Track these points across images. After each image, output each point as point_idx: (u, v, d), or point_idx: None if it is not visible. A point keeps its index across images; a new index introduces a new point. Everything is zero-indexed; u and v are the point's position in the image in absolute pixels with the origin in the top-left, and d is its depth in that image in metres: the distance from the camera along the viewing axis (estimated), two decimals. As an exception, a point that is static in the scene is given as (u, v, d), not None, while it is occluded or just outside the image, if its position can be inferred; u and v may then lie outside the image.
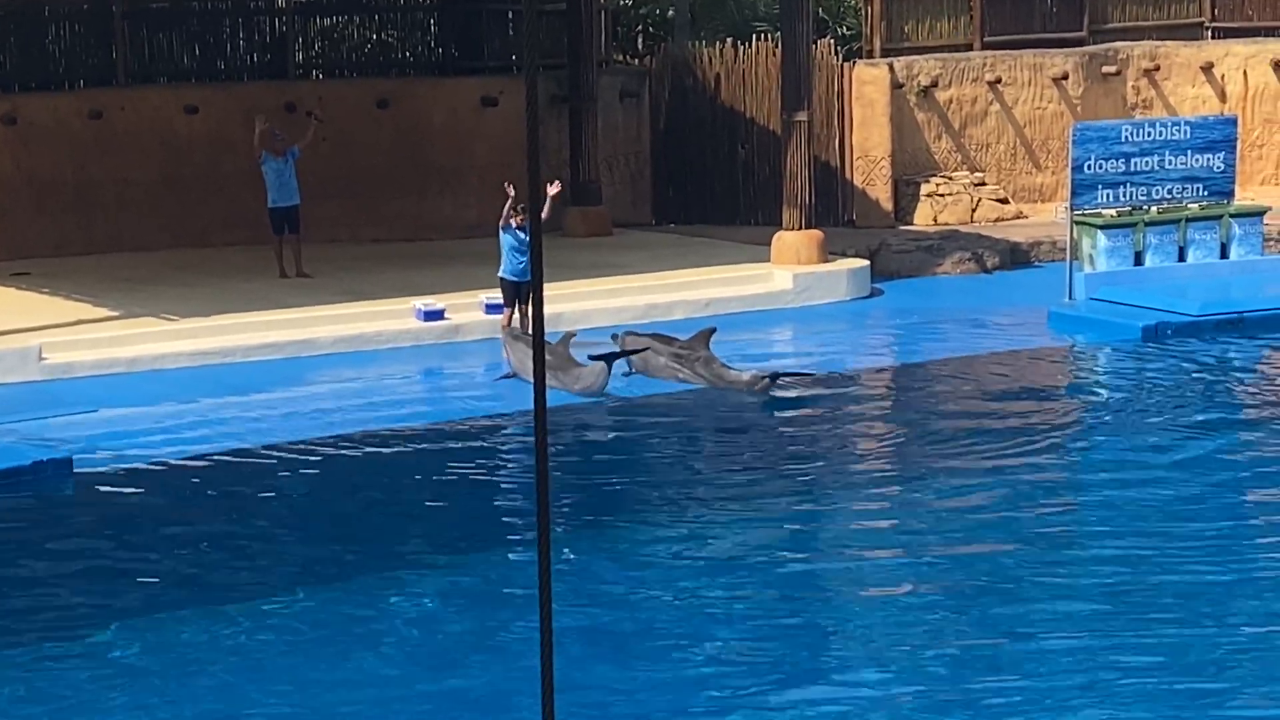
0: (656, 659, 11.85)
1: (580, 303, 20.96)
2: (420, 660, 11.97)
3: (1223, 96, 27.97)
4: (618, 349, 18.83)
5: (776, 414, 18.15)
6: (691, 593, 13.10)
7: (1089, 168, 22.30)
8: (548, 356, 17.74)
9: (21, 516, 15.27)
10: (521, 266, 19.49)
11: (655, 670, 11.65)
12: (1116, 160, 22.43)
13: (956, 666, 11.57)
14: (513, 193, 19.42)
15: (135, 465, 16.37)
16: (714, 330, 19.00)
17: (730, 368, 18.59)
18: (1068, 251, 22.51)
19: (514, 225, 19.53)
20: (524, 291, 19.69)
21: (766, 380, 18.36)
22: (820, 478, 16.09)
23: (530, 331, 19.21)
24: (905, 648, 11.93)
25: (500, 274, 19.67)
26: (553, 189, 20.01)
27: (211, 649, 12.19)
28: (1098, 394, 19.58)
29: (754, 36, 27.12)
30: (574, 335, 19.14)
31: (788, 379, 18.61)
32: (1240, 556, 13.62)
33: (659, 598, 13.01)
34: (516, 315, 19.85)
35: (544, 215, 18.94)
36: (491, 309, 20.82)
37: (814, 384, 18.81)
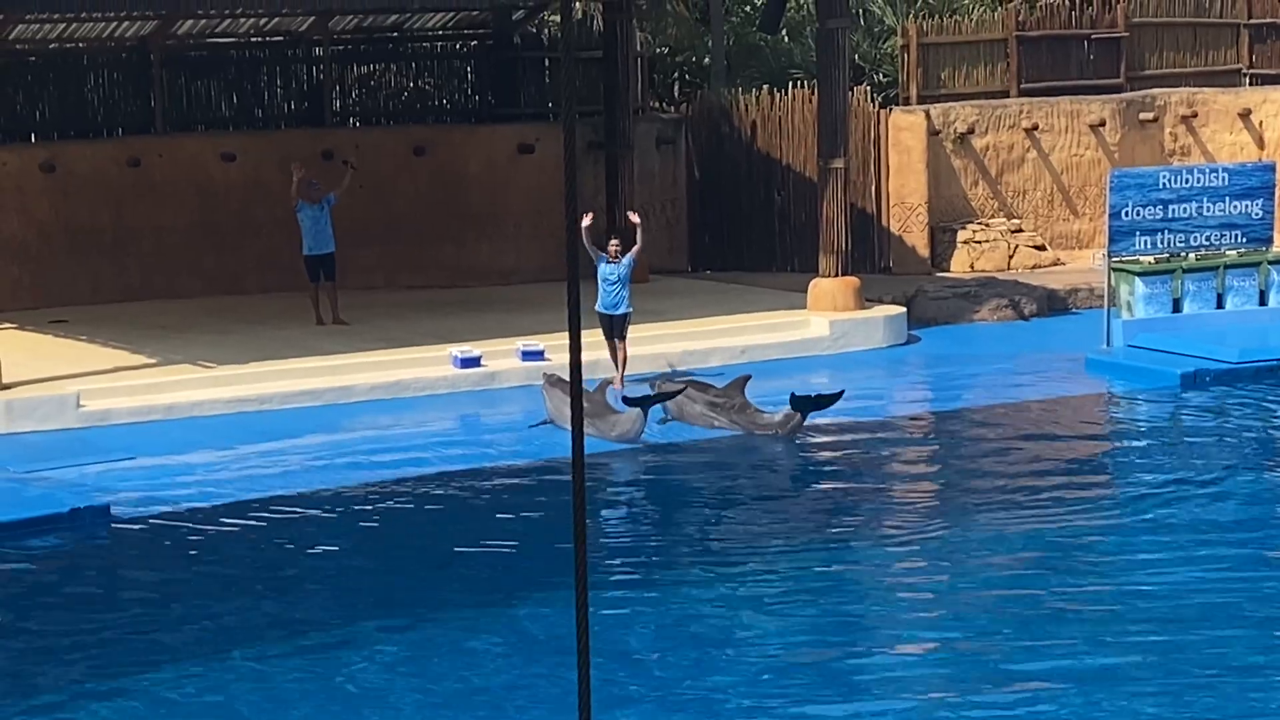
0: (693, 706, 11.85)
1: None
2: (457, 708, 11.97)
3: (1261, 143, 27.95)
4: (652, 390, 18.87)
5: (813, 463, 18.15)
6: (726, 639, 13.10)
7: (1126, 214, 22.29)
8: (585, 404, 17.78)
9: (58, 563, 15.33)
10: (612, 298, 19.74)
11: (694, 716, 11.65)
12: (1154, 207, 22.41)
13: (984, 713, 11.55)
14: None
15: (172, 513, 16.41)
16: (749, 377, 19.02)
17: (763, 412, 18.62)
18: (1105, 298, 22.49)
19: (606, 258, 19.77)
20: (617, 325, 19.96)
21: (798, 418, 18.38)
22: (856, 527, 16.07)
23: (609, 375, 19.39)
24: (934, 695, 11.91)
25: (597, 308, 19.96)
26: (634, 217, 20.50)
27: (243, 695, 12.22)
28: (1136, 442, 19.51)
29: (790, 83, 27.19)
30: (610, 383, 19.19)
31: (820, 407, 18.56)
32: (1276, 593, 13.58)
33: (695, 645, 13.00)
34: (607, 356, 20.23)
35: (635, 248, 19.59)
36: (528, 356, 20.88)
37: (850, 430, 18.78)
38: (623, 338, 20.19)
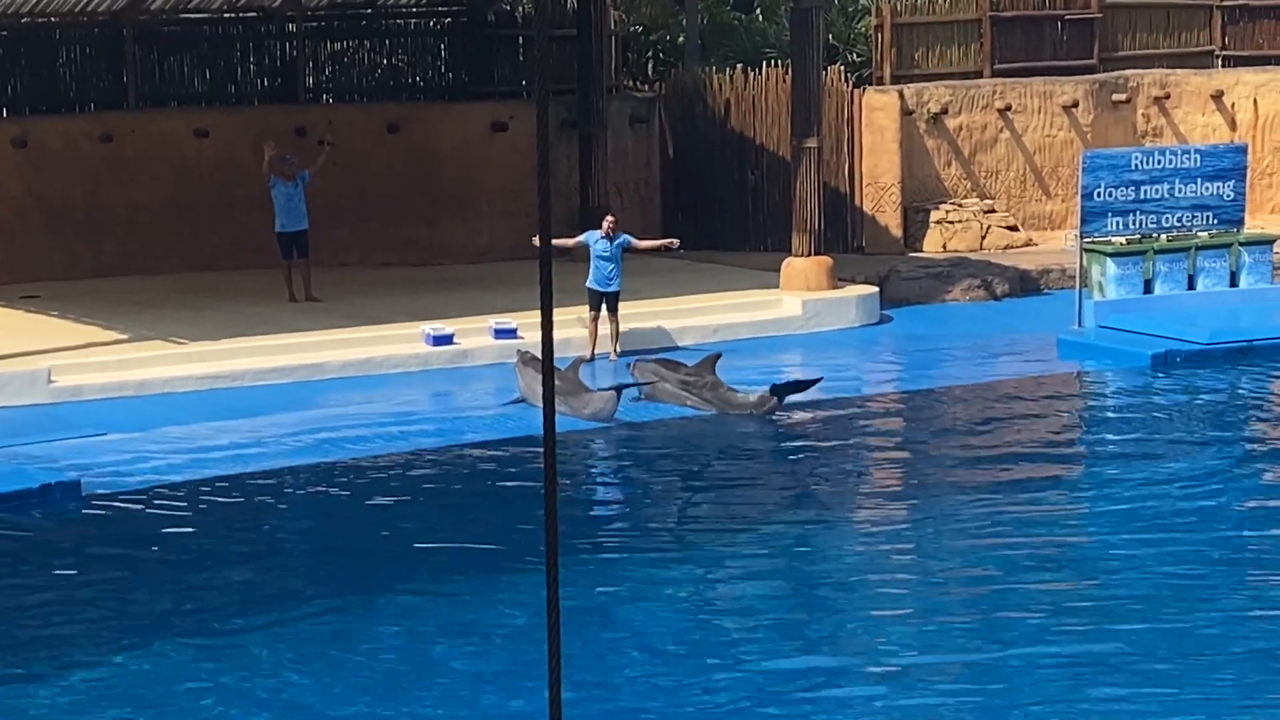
0: (664, 681, 11.89)
1: (585, 330, 20.99)
2: (420, 683, 12.00)
3: (1233, 125, 28.03)
4: (631, 377, 18.91)
5: (784, 441, 18.20)
6: (697, 616, 13.15)
7: (1099, 195, 22.34)
8: (558, 383, 17.82)
9: (29, 538, 15.33)
10: (604, 274, 20.01)
11: (663, 695, 11.70)
12: (1126, 188, 22.46)
13: (955, 683, 11.62)
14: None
15: (143, 488, 16.41)
16: (719, 356, 19.04)
17: (736, 391, 18.65)
18: (1077, 279, 22.55)
19: (600, 235, 20.14)
20: (609, 301, 20.54)
21: (774, 400, 18.43)
22: (826, 503, 16.15)
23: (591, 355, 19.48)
24: (907, 664, 11.97)
25: (588, 284, 20.50)
26: (673, 243, 21.55)
27: (214, 667, 12.24)
28: (1106, 421, 19.62)
29: (764, 63, 27.19)
30: (584, 361, 19.22)
31: (797, 391, 18.63)
32: (1244, 581, 13.65)
33: (665, 620, 13.05)
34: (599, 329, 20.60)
35: (633, 239, 19.97)
36: (501, 334, 20.90)
37: (822, 409, 18.83)
38: (614, 311, 20.64)
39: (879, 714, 11.37)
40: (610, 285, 20.41)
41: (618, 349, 20.62)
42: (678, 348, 21.00)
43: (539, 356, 18.04)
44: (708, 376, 18.69)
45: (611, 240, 20.41)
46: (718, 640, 12.72)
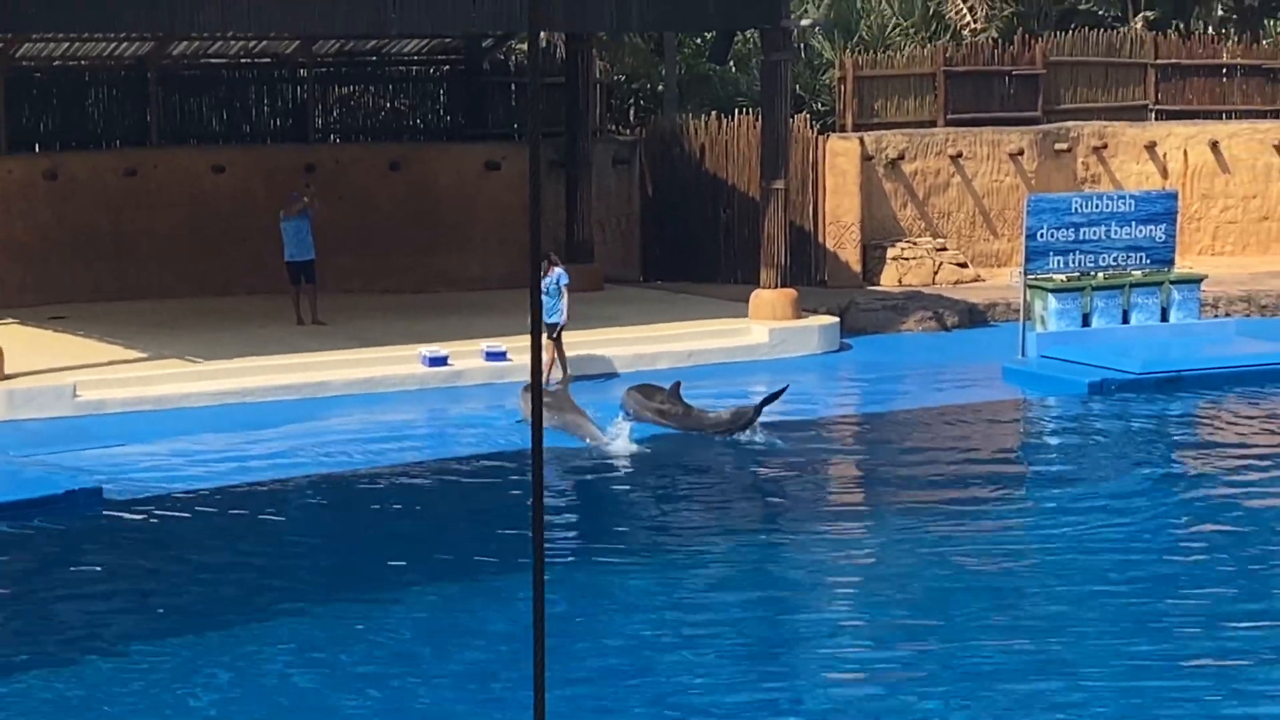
0: (640, 678, 11.90)
1: (573, 352, 21.01)
2: (413, 678, 11.99)
3: (1164, 173, 28.12)
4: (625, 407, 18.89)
5: (750, 459, 18.18)
6: (669, 617, 13.16)
7: (1041, 236, 22.39)
8: (565, 408, 17.89)
9: (54, 541, 15.29)
10: (545, 308, 19.84)
11: (638, 690, 11.71)
12: (1067, 230, 22.50)
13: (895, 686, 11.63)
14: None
15: (159, 495, 16.38)
16: (680, 384, 18.99)
17: (707, 413, 18.64)
18: (1021, 312, 22.59)
19: (543, 275, 20.06)
20: (549, 329, 20.16)
21: (750, 414, 18.37)
22: (786, 516, 16.16)
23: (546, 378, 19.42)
24: (856, 668, 11.99)
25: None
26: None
27: (223, 659, 12.22)
28: (1046, 443, 19.66)
29: (736, 111, 27.23)
30: (569, 378, 19.16)
31: (772, 402, 18.59)
32: (1177, 593, 13.68)
33: (643, 622, 13.05)
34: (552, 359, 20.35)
35: (565, 284, 19.67)
36: (492, 356, 20.89)
37: (786, 429, 18.82)
38: (551, 338, 20.34)
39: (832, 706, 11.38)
40: (550, 317, 20.15)
41: (552, 375, 20.42)
42: (654, 370, 20.98)
43: (543, 388, 18.15)
44: (679, 406, 18.65)
45: (547, 278, 20.15)
46: (684, 642, 12.71)
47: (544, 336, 20.25)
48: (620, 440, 17.96)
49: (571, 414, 18.21)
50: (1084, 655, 12.23)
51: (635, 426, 18.45)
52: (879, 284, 26.26)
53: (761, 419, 18.46)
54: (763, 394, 18.92)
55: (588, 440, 17.97)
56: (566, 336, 20.65)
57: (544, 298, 20.15)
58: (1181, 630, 12.70)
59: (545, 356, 20.46)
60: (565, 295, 20.17)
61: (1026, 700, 11.43)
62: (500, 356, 20.87)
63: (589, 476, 17.57)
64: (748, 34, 29.14)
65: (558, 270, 20.33)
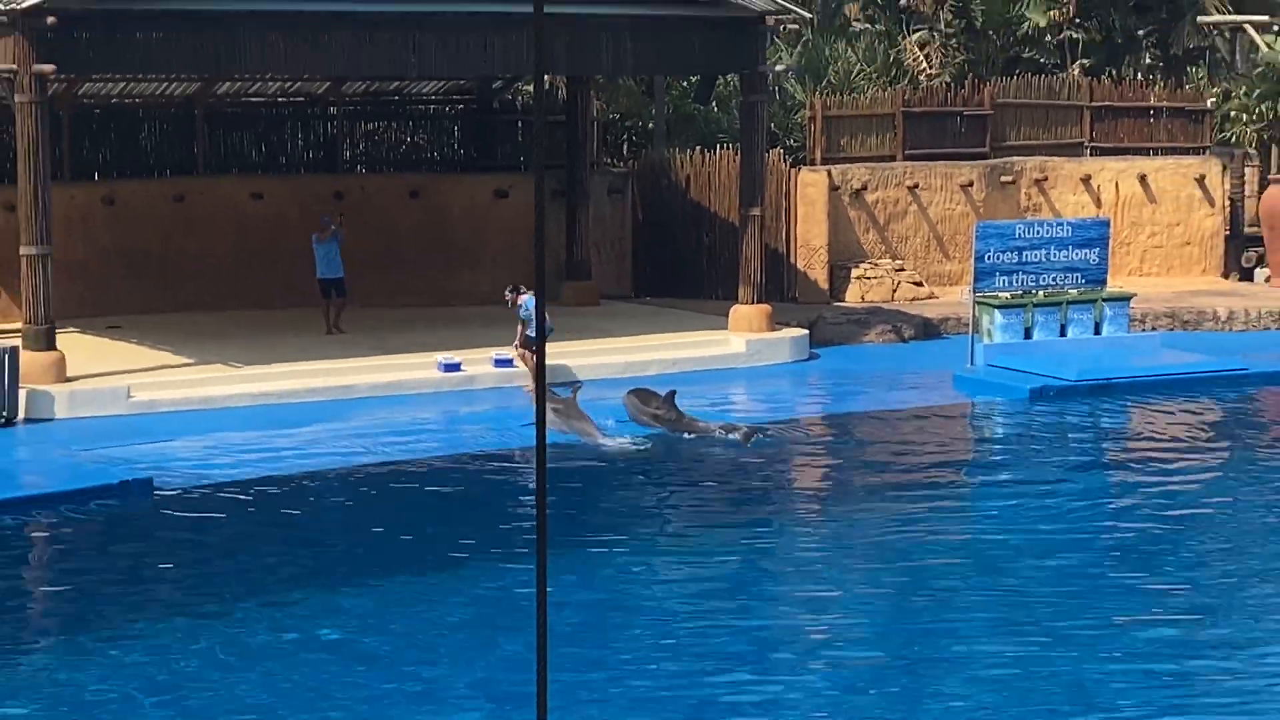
0: (630, 656, 11.91)
1: (571, 360, 21.05)
2: (416, 644, 12.00)
3: (1098, 203, 28.15)
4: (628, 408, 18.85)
5: (728, 455, 18.21)
6: (656, 597, 13.18)
7: (989, 258, 22.43)
8: (571, 412, 17.85)
9: (110, 525, 15.31)
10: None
11: (628, 667, 11.73)
12: (1011, 253, 22.55)
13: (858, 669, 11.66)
14: None
15: (204, 485, 16.40)
16: (674, 392, 18.95)
17: (698, 421, 18.58)
18: (970, 326, 22.62)
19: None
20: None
21: (744, 428, 18.32)
22: (759, 507, 16.20)
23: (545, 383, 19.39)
24: (827, 648, 12.02)
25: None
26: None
27: (264, 632, 12.23)
28: (992, 443, 19.71)
29: (718, 146, 27.25)
30: (579, 388, 18.99)
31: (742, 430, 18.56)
32: (1105, 576, 13.73)
33: (625, 608, 13.07)
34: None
35: (523, 319, 19.51)
36: (500, 363, 20.90)
37: (761, 430, 18.85)
38: (528, 350, 20.35)
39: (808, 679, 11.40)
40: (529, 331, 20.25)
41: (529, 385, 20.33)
42: (645, 376, 20.99)
43: (557, 394, 18.11)
44: (673, 413, 18.60)
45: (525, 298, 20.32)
46: (669, 621, 12.73)
47: (514, 347, 20.38)
48: (620, 442, 17.96)
49: (579, 421, 18.21)
50: (1027, 617, 12.27)
51: (632, 428, 18.44)
52: (844, 300, 26.28)
53: (756, 419, 18.42)
54: (743, 412, 18.84)
55: (591, 443, 17.95)
56: (565, 347, 20.62)
57: (526, 316, 20.07)
58: (1096, 597, 12.76)
59: (521, 365, 20.49)
60: (524, 320, 20.19)
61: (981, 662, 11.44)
62: (507, 363, 20.89)
63: (587, 469, 17.58)
64: (728, 78, 29.14)
65: (524, 297, 20.30)
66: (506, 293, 20.64)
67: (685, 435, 18.41)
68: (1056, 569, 13.85)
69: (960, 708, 10.88)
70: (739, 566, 14.11)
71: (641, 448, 17.90)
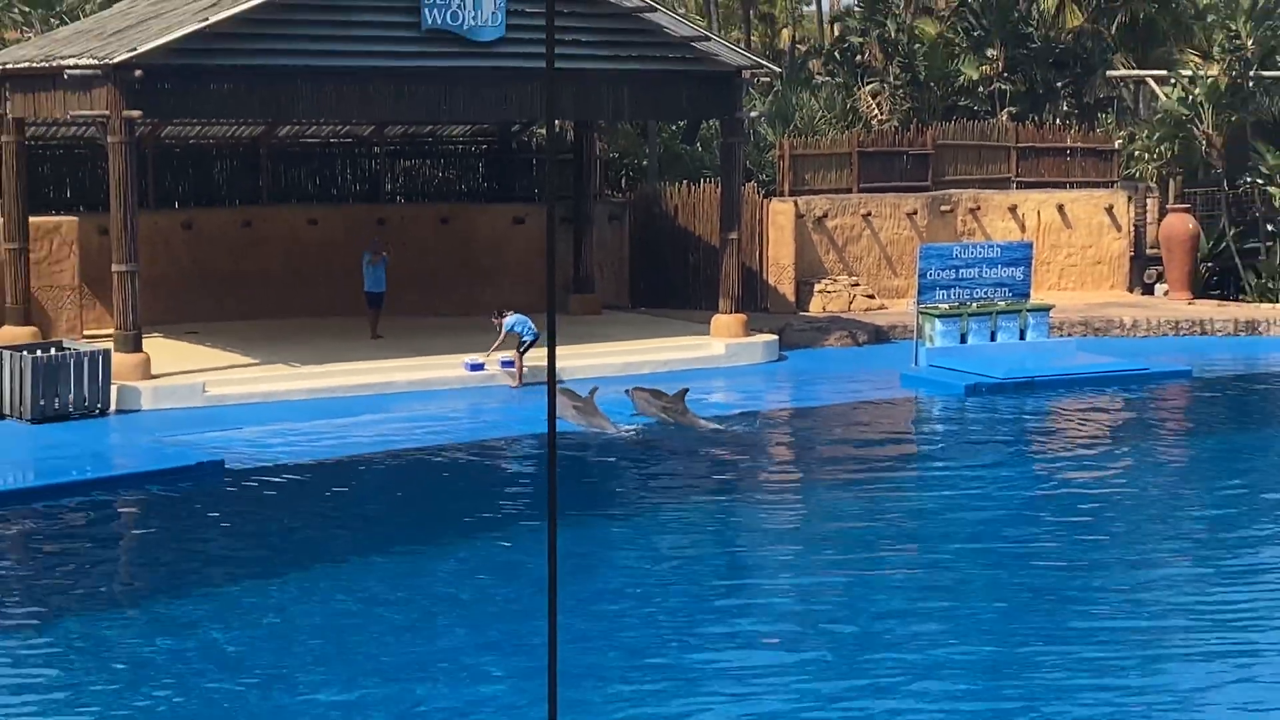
0: (621, 617, 12.00)
1: (578, 360, 21.15)
2: (441, 612, 12.09)
3: (1023, 228, 28.25)
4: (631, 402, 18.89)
5: (714, 440, 18.32)
6: (646, 567, 13.26)
7: (930, 275, 22.54)
8: (585, 407, 17.87)
9: (188, 500, 15.41)
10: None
11: (619, 626, 11.81)
12: (950, 270, 22.65)
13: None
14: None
15: (269, 466, 16.50)
16: (687, 390, 18.98)
17: (700, 418, 18.60)
18: (915, 333, 22.73)
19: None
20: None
21: (728, 427, 18.39)
22: (732, 486, 16.28)
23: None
24: (793, 616, 12.10)
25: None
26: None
27: (330, 595, 12.32)
28: (933, 431, 19.82)
29: (702, 180, 27.34)
30: (595, 390, 19.02)
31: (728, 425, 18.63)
32: (1016, 536, 13.84)
33: (635, 572, 13.15)
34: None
35: (502, 338, 19.50)
36: (505, 364, 20.87)
37: (738, 422, 18.95)
38: (519, 352, 20.56)
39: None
40: (526, 337, 20.54)
41: (519, 382, 20.50)
42: (640, 375, 21.06)
43: (575, 393, 18.13)
44: (679, 406, 18.66)
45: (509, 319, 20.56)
46: (658, 589, 12.81)
47: (505, 349, 20.50)
48: (629, 432, 18.03)
49: (596, 416, 18.27)
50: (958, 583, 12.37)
51: (640, 420, 18.48)
52: (808, 311, 26.37)
53: (735, 410, 18.44)
54: (724, 403, 18.88)
55: (610, 433, 17.97)
56: (571, 349, 20.68)
57: (518, 326, 20.35)
58: (1026, 561, 12.87)
59: (516, 366, 20.62)
60: (503, 336, 20.33)
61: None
62: (479, 367, 20.88)
63: (595, 455, 17.69)
64: (710, 122, 29.23)
65: (506, 319, 20.48)
66: (493, 317, 20.82)
67: (687, 427, 18.40)
68: (977, 532, 13.97)
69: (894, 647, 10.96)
70: (717, 527, 14.19)
71: (647, 437, 17.95)
